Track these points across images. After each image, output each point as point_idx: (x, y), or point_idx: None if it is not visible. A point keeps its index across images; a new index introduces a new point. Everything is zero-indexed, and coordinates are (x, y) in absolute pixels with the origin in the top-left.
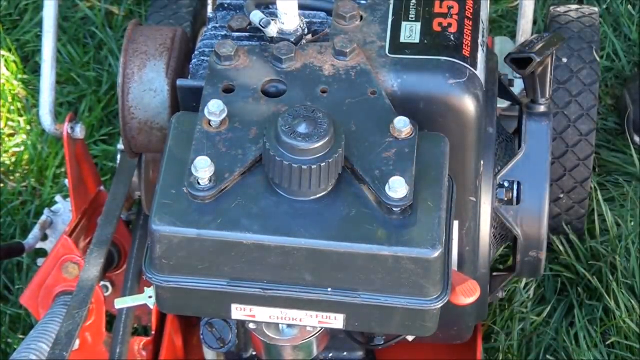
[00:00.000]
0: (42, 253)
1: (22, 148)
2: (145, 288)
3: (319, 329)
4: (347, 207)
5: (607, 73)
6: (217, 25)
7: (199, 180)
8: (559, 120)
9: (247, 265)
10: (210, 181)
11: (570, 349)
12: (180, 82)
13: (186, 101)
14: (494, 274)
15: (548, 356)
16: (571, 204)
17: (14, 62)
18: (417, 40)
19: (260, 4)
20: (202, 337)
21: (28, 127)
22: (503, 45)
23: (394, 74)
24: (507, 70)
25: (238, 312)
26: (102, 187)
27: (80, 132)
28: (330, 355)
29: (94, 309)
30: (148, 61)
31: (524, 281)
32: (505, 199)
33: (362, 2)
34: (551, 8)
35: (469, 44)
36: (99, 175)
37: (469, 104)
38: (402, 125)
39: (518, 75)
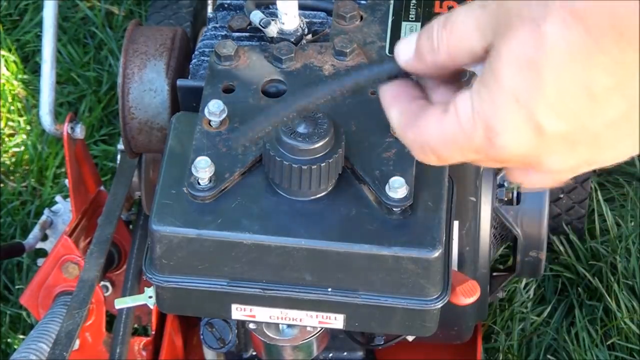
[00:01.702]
0: (42, 253)
1: (22, 148)
2: (145, 288)
3: (319, 329)
4: (347, 207)
5: None
6: (217, 25)
7: (199, 180)
8: None
9: (247, 265)
10: (210, 181)
11: (570, 348)
12: (180, 82)
13: (186, 101)
14: (494, 274)
15: (548, 356)
16: (571, 204)
17: (14, 62)
18: None
19: (260, 4)
20: (202, 337)
21: (28, 127)
22: None
23: None
24: None
25: (238, 312)
26: (102, 187)
27: (80, 132)
28: (330, 355)
29: (94, 309)
30: (148, 61)
31: (524, 281)
32: (505, 199)
33: (362, 2)
34: None
35: None
36: (99, 175)
37: None
38: None
39: None
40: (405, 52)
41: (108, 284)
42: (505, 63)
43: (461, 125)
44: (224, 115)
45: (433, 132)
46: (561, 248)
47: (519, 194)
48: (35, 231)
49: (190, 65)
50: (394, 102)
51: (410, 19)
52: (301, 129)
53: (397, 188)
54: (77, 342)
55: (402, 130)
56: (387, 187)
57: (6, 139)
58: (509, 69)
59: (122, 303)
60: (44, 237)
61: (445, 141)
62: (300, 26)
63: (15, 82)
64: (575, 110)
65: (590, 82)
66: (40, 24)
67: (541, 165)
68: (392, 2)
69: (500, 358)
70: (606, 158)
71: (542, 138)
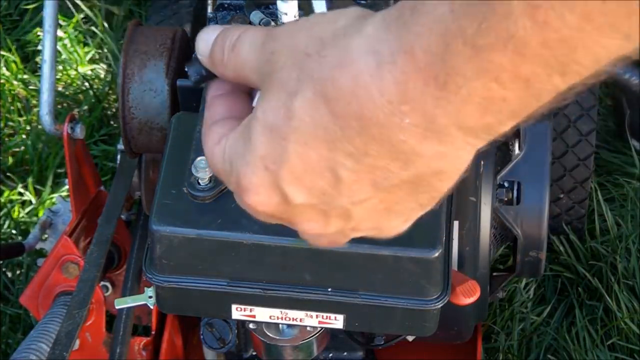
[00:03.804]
0: (42, 253)
1: (22, 148)
2: (145, 288)
3: (319, 329)
4: None
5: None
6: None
7: (199, 180)
8: (559, 120)
9: (247, 265)
10: (210, 181)
11: (571, 348)
12: (180, 82)
13: (186, 101)
14: (494, 274)
15: (549, 356)
16: (571, 204)
17: (14, 62)
18: None
19: (260, 4)
20: (202, 337)
21: (28, 127)
22: None
23: None
24: None
25: (238, 312)
26: (102, 187)
27: (80, 132)
28: (330, 355)
29: (94, 309)
30: (148, 61)
31: (524, 281)
32: (505, 199)
33: (362, 2)
34: None
35: None
36: (99, 175)
37: None
38: None
39: None
40: (203, 48)
41: (108, 284)
42: (259, 127)
43: (222, 165)
44: None
45: (208, 152)
46: (561, 248)
47: (519, 194)
48: (35, 231)
49: None
50: (211, 100)
51: None
52: None
53: None
54: (77, 342)
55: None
56: None
57: (6, 139)
58: (261, 134)
59: (122, 303)
60: (44, 237)
61: (213, 166)
62: None
63: (15, 82)
64: (321, 187)
65: (335, 165)
66: (40, 24)
67: (298, 227)
68: (392, 2)
69: (500, 358)
70: (366, 227)
71: (289, 205)
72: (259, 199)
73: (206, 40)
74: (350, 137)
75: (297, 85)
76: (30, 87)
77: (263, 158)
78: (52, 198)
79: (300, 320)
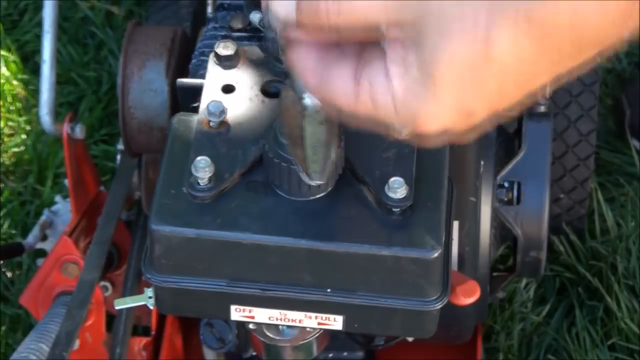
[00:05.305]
0: (42, 253)
1: (22, 148)
2: (145, 288)
3: (318, 329)
4: (346, 208)
5: (608, 74)
6: (217, 25)
7: (199, 181)
8: (559, 120)
9: (247, 265)
10: (210, 181)
11: (571, 348)
12: (180, 81)
13: (186, 101)
14: (494, 274)
15: (549, 356)
16: (571, 204)
17: (14, 62)
18: None
19: (260, 3)
20: (202, 337)
21: (28, 127)
22: None
23: None
24: None
25: (237, 313)
26: (102, 187)
27: (80, 132)
28: (330, 355)
29: (94, 309)
30: (148, 61)
31: (524, 281)
32: (506, 199)
33: None
34: None
35: None
36: (99, 175)
37: None
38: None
39: None
40: (286, 12)
41: (108, 284)
42: (449, 68)
43: (382, 112)
44: (223, 116)
45: (344, 102)
46: (561, 248)
47: (519, 194)
48: (35, 231)
49: (190, 65)
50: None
51: None
52: None
53: (397, 188)
54: (77, 342)
55: (310, 89)
56: (386, 187)
57: (6, 139)
58: (452, 75)
59: (122, 303)
60: (44, 237)
61: (359, 115)
62: None
63: (15, 82)
64: (512, 93)
65: (535, 75)
66: (40, 24)
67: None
68: None
69: (500, 358)
70: None
71: (472, 118)
72: (442, 125)
73: (286, 5)
74: (561, 45)
75: (492, 18)
76: (30, 87)
77: (456, 96)
78: (52, 198)
79: (300, 321)
